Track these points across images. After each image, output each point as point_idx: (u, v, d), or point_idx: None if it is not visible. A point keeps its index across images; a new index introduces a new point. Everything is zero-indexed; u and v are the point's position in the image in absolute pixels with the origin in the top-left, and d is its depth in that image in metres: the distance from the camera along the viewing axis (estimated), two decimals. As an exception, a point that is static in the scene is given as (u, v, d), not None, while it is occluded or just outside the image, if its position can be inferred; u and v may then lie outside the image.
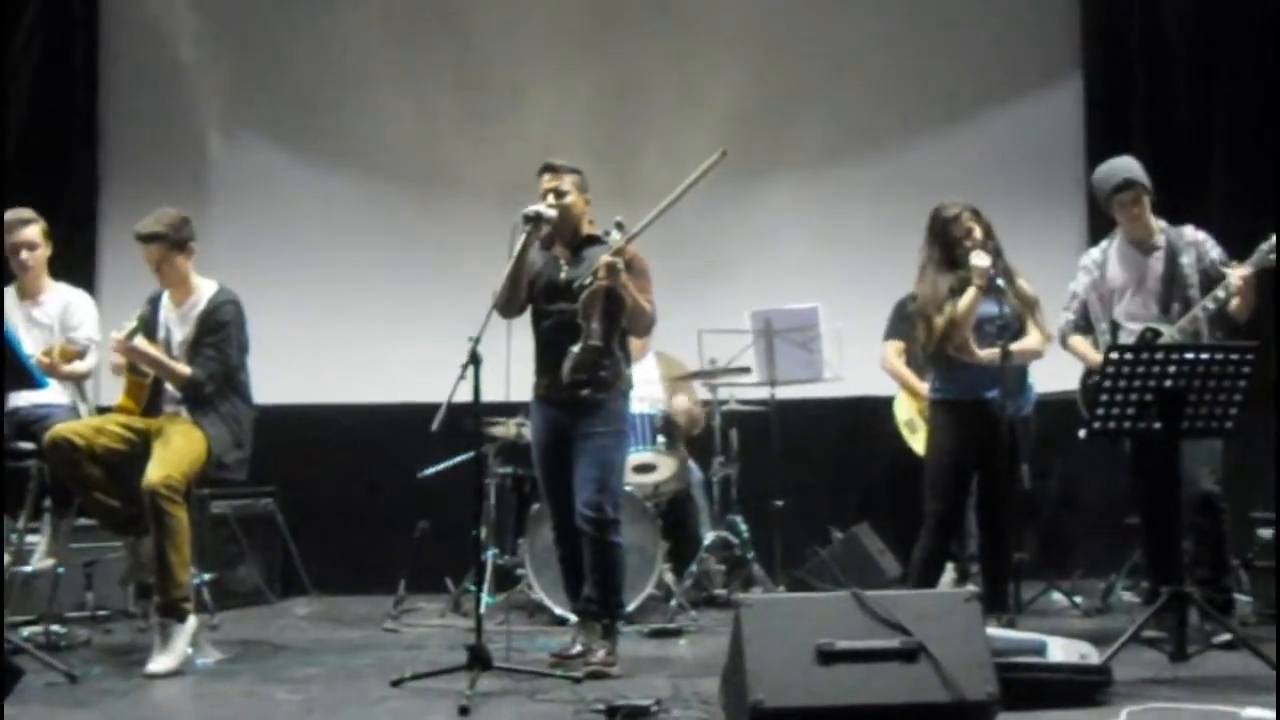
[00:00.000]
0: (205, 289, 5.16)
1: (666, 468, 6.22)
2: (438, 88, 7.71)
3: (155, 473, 4.78)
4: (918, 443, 6.32)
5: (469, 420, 4.58)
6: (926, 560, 5.21)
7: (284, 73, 7.70)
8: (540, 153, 5.20)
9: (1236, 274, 4.92)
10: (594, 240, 4.92)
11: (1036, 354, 5.31)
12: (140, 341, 4.97)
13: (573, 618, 5.18)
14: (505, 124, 7.58)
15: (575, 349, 4.67)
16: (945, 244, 5.20)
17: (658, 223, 4.68)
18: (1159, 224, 5.26)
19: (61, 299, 5.62)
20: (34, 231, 5.55)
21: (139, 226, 5.07)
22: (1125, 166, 5.25)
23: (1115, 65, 7.51)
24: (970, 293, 5.09)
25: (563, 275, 4.86)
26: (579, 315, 4.67)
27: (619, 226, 4.69)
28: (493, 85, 7.66)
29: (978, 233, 5.15)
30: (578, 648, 4.83)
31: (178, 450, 4.89)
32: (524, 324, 4.93)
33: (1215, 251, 5.17)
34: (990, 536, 5.29)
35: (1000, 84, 7.64)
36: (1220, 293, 4.97)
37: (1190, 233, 5.24)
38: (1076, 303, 5.36)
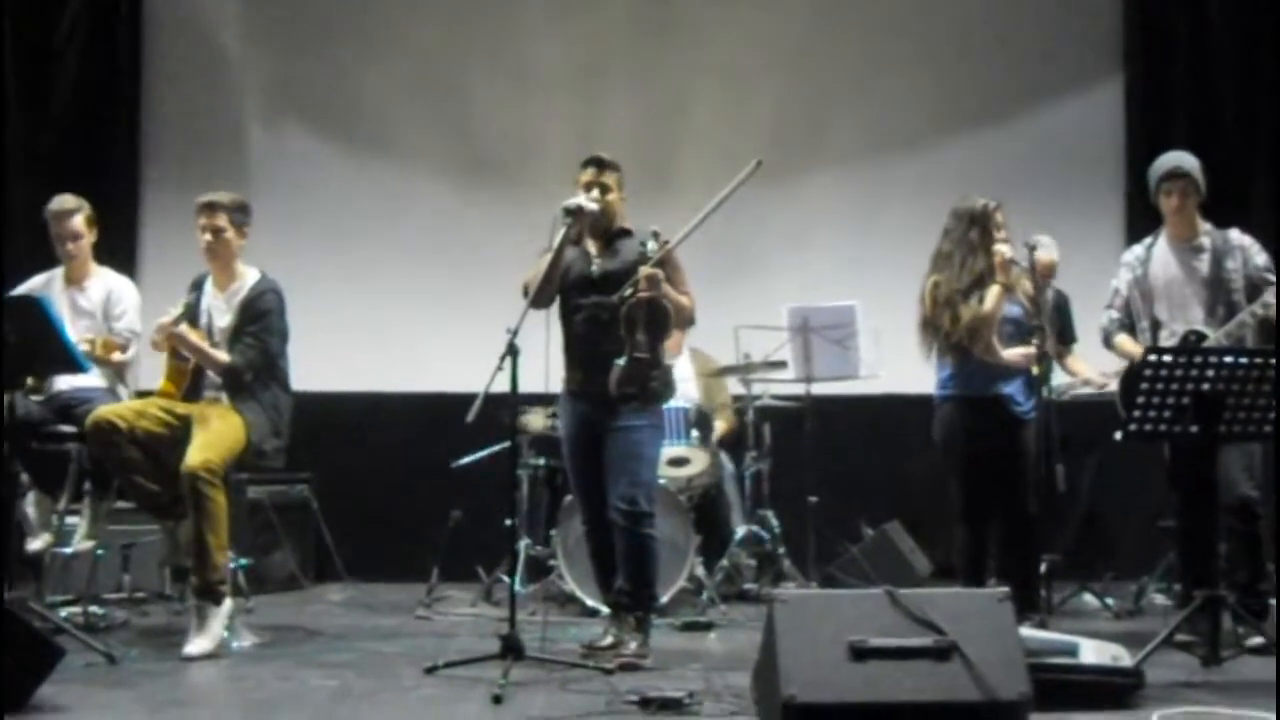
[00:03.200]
0: (249, 276, 5.23)
1: (699, 461, 6.22)
2: (480, 80, 7.71)
3: (195, 457, 4.83)
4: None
5: (505, 412, 4.61)
6: (969, 556, 5.15)
7: (326, 63, 7.72)
8: (581, 146, 5.20)
9: None
10: (625, 233, 4.91)
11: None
12: (184, 328, 5.04)
13: (604, 609, 5.19)
14: (547, 116, 7.59)
15: (620, 361, 4.66)
16: (984, 231, 5.11)
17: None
18: (1204, 226, 5.22)
19: (106, 285, 5.69)
20: (79, 221, 5.63)
21: (203, 195, 5.19)
22: (1180, 158, 5.21)
23: (1158, 64, 7.45)
24: (994, 290, 5.02)
25: (595, 268, 4.85)
26: (622, 328, 4.66)
27: (655, 236, 4.69)
28: (535, 77, 7.67)
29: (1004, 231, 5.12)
30: (609, 639, 4.82)
31: (218, 435, 4.94)
32: (563, 315, 4.94)
33: (1261, 258, 5.12)
34: (1011, 537, 5.22)
35: (1041, 82, 7.59)
36: (1269, 298, 4.93)
37: (1237, 236, 5.19)
38: (1120, 299, 5.29)
